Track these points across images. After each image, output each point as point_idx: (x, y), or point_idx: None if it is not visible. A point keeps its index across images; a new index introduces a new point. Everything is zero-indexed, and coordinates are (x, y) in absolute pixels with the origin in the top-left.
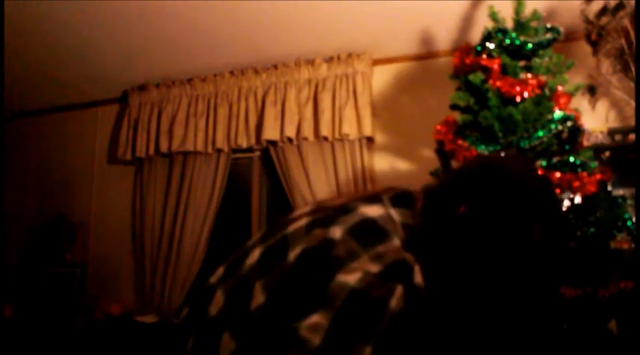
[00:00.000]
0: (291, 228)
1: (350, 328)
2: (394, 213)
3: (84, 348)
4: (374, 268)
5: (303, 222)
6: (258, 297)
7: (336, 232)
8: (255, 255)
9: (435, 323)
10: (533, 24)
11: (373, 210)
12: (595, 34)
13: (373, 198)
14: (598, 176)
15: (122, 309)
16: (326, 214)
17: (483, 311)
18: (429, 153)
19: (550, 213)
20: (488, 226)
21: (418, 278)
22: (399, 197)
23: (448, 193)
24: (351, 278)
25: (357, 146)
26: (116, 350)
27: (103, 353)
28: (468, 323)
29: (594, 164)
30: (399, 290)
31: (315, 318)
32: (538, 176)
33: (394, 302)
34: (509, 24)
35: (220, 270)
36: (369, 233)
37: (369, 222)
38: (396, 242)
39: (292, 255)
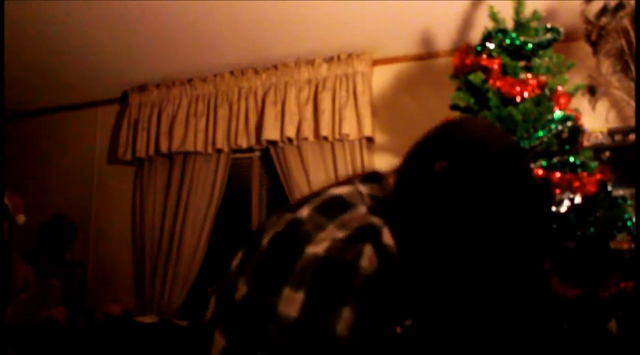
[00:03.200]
0: (267, 221)
1: (324, 294)
2: (362, 188)
3: (84, 348)
4: (340, 234)
5: (277, 213)
6: (241, 289)
7: (304, 212)
8: (238, 256)
9: (410, 281)
10: (534, 24)
11: (341, 189)
12: (595, 35)
13: (344, 181)
14: (598, 176)
15: (122, 309)
16: (297, 201)
17: (457, 270)
18: None
19: (525, 178)
20: (465, 185)
21: (387, 238)
22: (369, 175)
23: (419, 156)
24: (319, 248)
25: (357, 146)
26: (116, 350)
27: (103, 353)
28: (443, 281)
29: (594, 164)
30: (368, 250)
31: (289, 292)
32: (507, 139)
33: (365, 262)
34: (509, 24)
35: (217, 281)
36: (335, 206)
37: (336, 198)
38: (362, 209)
39: (265, 241)
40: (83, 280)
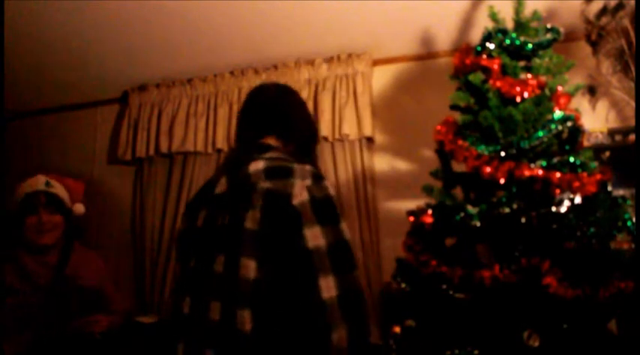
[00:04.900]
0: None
1: (326, 218)
2: (272, 154)
3: (83, 348)
4: (307, 182)
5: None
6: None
7: (266, 184)
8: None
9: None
10: (534, 24)
11: (271, 162)
12: (595, 35)
13: (248, 157)
14: (598, 176)
15: None
16: (247, 180)
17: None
18: (429, 153)
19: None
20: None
21: (317, 171)
22: (263, 147)
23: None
24: (304, 195)
25: (357, 146)
26: (116, 350)
27: (103, 353)
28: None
29: (594, 164)
30: (328, 183)
31: (250, 214)
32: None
33: (332, 191)
34: (509, 24)
35: None
36: (284, 170)
37: (280, 167)
38: (295, 164)
39: (258, 206)
40: None
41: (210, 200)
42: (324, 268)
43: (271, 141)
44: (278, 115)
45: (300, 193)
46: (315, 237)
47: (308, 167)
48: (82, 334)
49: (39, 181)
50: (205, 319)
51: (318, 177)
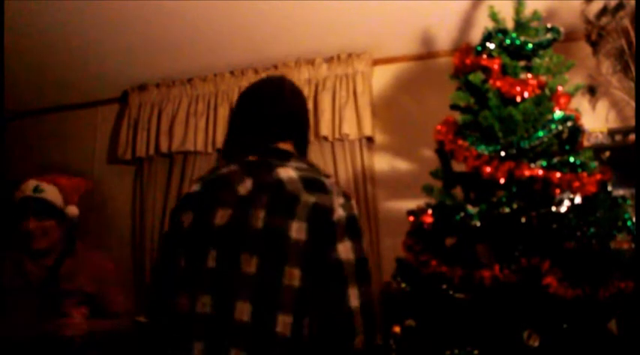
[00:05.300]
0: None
1: (353, 234)
2: (302, 164)
3: (83, 348)
4: (340, 200)
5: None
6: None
7: (312, 198)
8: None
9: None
10: (534, 24)
11: (305, 173)
12: (595, 35)
13: (274, 163)
14: (598, 176)
15: None
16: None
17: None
18: (429, 153)
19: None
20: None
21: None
22: (284, 153)
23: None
24: (340, 212)
25: (357, 146)
26: (116, 350)
27: (102, 353)
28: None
29: (594, 164)
30: (354, 203)
31: (296, 224)
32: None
33: (356, 210)
34: (509, 24)
35: None
36: (319, 185)
37: (317, 181)
38: (325, 179)
39: (302, 216)
40: None
41: (233, 200)
42: (352, 279)
43: (287, 147)
44: (300, 125)
45: (337, 209)
46: (346, 250)
47: (336, 183)
48: (62, 338)
49: (27, 187)
50: (232, 319)
51: (347, 197)
